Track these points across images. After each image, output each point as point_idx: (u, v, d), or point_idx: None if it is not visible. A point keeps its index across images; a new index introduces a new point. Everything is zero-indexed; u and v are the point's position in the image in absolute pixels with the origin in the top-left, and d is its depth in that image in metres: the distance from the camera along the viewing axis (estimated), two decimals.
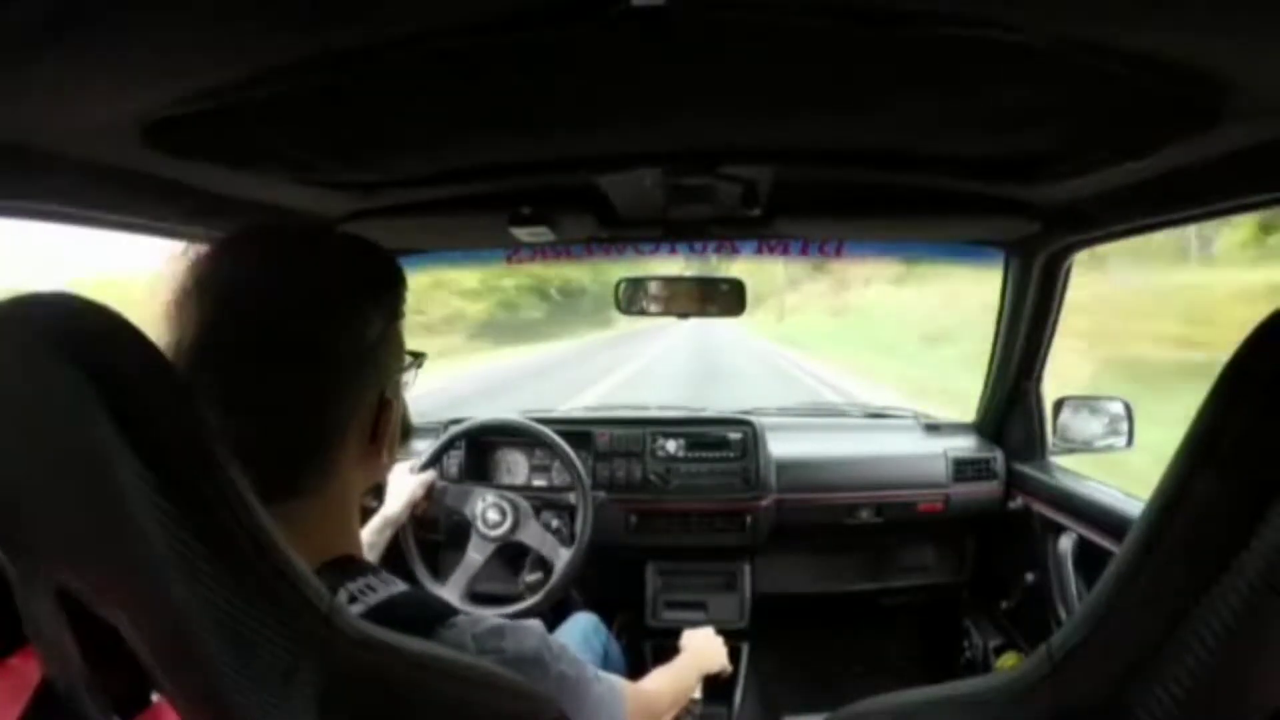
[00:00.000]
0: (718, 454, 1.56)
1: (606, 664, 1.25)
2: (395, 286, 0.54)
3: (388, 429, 0.53)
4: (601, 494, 1.48)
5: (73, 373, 0.32)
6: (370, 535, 1.12)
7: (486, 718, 0.41)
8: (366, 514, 1.15)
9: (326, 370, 0.47)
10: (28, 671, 0.38)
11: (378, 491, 1.34)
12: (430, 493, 1.32)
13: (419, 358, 0.60)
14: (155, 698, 0.38)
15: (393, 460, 0.56)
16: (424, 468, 1.39)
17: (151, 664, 0.34)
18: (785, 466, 1.57)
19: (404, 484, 1.26)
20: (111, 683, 0.37)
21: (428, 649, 0.41)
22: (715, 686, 1.57)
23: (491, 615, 0.51)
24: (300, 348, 0.46)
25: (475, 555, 1.35)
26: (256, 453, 0.38)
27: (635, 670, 1.47)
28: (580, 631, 1.25)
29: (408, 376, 0.58)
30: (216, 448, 0.35)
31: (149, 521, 0.32)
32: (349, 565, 0.49)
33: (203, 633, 0.33)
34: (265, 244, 0.50)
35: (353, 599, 0.46)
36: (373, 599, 0.47)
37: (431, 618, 0.47)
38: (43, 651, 0.38)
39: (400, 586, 0.49)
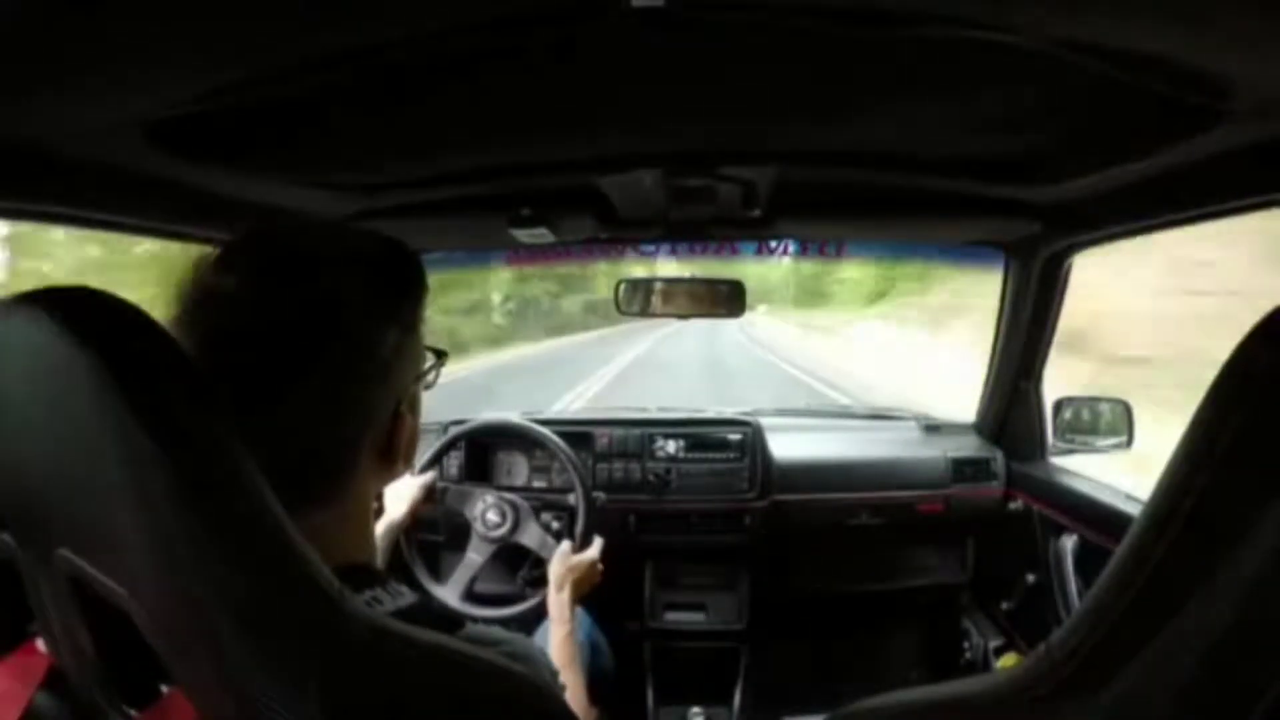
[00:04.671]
0: (718, 455, 1.56)
1: (593, 655, 1.25)
2: (414, 294, 0.51)
3: (403, 442, 0.51)
4: (601, 495, 1.48)
5: (92, 362, 0.33)
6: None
7: (493, 708, 0.41)
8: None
9: (334, 390, 0.45)
10: (33, 665, 0.39)
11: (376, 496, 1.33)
12: (431, 494, 1.32)
13: (441, 357, 0.57)
14: (165, 689, 0.38)
15: (407, 469, 0.54)
16: (424, 469, 1.39)
17: (163, 649, 0.35)
18: (785, 467, 1.57)
19: (405, 487, 1.26)
20: (122, 674, 0.37)
21: (437, 639, 0.41)
22: (715, 688, 1.57)
23: (494, 614, 0.49)
24: (305, 368, 0.44)
25: (474, 556, 1.35)
26: (267, 469, 0.37)
27: (629, 669, 1.48)
28: None
29: (428, 378, 0.56)
30: (229, 436, 0.35)
31: (164, 506, 0.33)
32: (361, 575, 0.47)
33: (214, 616, 0.33)
34: (264, 252, 0.47)
35: None
36: (380, 612, 0.46)
37: (442, 629, 0.47)
38: (54, 642, 0.38)
39: (409, 599, 0.48)
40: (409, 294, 0.51)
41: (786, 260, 1.56)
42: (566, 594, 1.09)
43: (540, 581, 1.35)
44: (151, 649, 0.35)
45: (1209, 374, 0.34)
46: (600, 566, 1.19)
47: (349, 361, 0.46)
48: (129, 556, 0.34)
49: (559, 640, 1.01)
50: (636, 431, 1.58)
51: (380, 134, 0.86)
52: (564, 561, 1.14)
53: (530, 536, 1.35)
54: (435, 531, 1.48)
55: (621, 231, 1.36)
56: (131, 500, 0.33)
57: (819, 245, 1.54)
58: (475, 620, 0.49)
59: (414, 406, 0.52)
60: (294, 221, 1.07)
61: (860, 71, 0.68)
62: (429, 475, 1.34)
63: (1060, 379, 1.54)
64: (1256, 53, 0.55)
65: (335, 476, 0.48)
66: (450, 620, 0.48)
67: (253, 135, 0.77)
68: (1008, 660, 1.54)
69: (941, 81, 0.69)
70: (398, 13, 0.53)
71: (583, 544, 1.29)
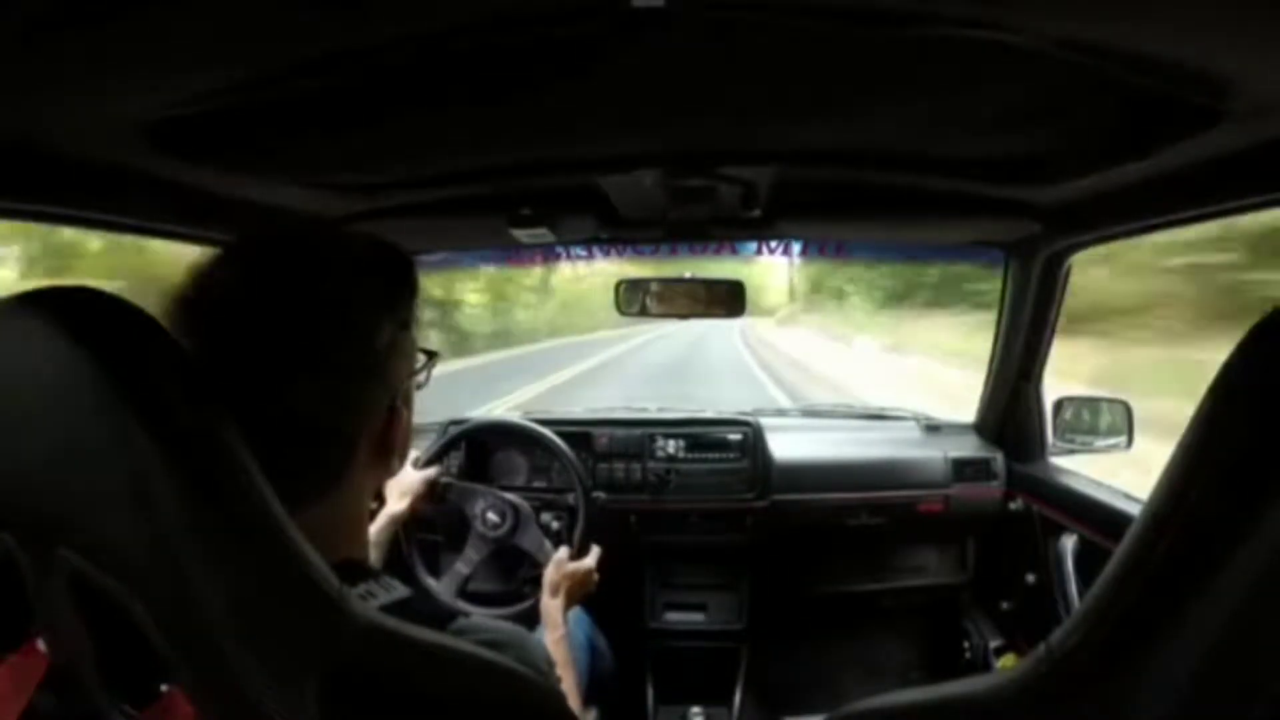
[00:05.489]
0: (718, 455, 1.56)
1: (593, 655, 1.25)
2: (407, 292, 0.53)
3: (397, 437, 0.53)
4: (601, 495, 1.48)
5: (93, 362, 0.33)
6: (374, 534, 1.11)
7: (492, 707, 0.41)
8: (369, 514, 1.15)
9: (333, 385, 0.46)
10: (33, 666, 0.39)
11: (377, 493, 1.33)
12: (433, 490, 1.32)
13: (432, 357, 0.59)
14: (165, 689, 0.38)
15: (402, 464, 0.56)
16: (427, 464, 1.39)
17: (164, 648, 0.35)
18: (785, 467, 1.57)
19: (407, 480, 1.26)
20: (122, 673, 0.37)
21: (436, 638, 0.42)
22: (715, 688, 1.57)
23: (487, 613, 0.50)
24: (305, 364, 0.45)
25: (472, 554, 1.35)
26: (266, 466, 0.38)
27: (629, 669, 1.47)
28: None
29: (419, 377, 0.57)
30: (230, 435, 0.36)
31: (165, 505, 0.33)
32: (353, 570, 0.48)
33: (214, 616, 0.33)
34: (264, 253, 0.48)
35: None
36: (374, 604, 0.46)
37: (436, 622, 0.47)
38: (54, 640, 0.39)
39: (403, 592, 0.49)
40: (403, 292, 0.53)
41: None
42: (560, 600, 1.09)
43: (538, 583, 1.35)
44: (151, 649, 0.35)
45: None
46: (596, 576, 1.19)
47: (346, 358, 0.47)
48: (130, 556, 0.34)
49: (551, 644, 1.01)
50: (636, 432, 1.58)
51: (380, 134, 0.86)
52: (559, 569, 1.14)
53: (528, 540, 1.34)
54: (434, 531, 1.48)
55: (621, 231, 1.37)
56: (132, 500, 0.33)
57: (819, 245, 1.54)
58: (469, 616, 0.50)
59: (408, 402, 0.54)
60: (293, 222, 1.07)
61: (860, 71, 0.68)
62: (433, 470, 1.34)
63: None
64: (1256, 53, 0.56)
65: (333, 472, 0.48)
66: (446, 613, 0.49)
67: (253, 135, 0.77)
68: (1008, 660, 1.54)
69: (941, 81, 0.69)
70: (398, 13, 0.53)
71: (580, 549, 1.29)
